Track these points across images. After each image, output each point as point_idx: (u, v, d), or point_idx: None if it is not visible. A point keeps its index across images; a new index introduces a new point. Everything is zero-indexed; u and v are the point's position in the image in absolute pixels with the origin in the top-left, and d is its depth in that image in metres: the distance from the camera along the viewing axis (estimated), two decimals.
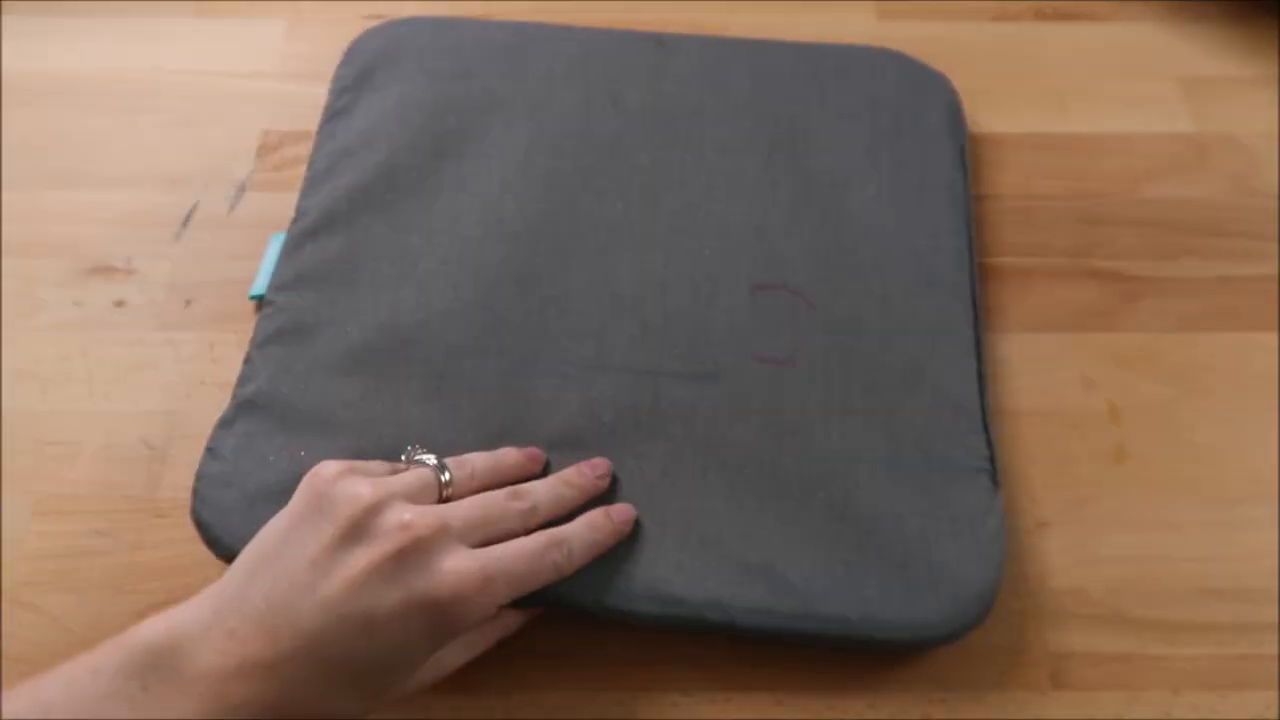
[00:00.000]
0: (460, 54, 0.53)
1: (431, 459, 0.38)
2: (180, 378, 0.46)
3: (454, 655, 0.37)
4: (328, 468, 0.36)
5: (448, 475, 0.38)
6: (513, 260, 0.46)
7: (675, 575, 0.38)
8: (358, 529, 0.34)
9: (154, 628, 0.32)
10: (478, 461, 0.39)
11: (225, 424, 0.42)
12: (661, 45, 0.54)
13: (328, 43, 0.57)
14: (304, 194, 0.49)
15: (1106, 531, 0.42)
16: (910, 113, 0.51)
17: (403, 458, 0.39)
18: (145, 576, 0.41)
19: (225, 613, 0.32)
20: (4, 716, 0.30)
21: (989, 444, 0.42)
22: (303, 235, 0.47)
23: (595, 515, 0.38)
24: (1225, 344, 0.47)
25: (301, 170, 0.51)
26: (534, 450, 0.41)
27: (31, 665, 0.39)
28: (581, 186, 0.49)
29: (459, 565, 0.34)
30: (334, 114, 0.51)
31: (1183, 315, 0.48)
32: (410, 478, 0.37)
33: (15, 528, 0.42)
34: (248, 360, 0.44)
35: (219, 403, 0.44)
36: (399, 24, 0.55)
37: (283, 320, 0.45)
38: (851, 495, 0.41)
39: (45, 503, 0.43)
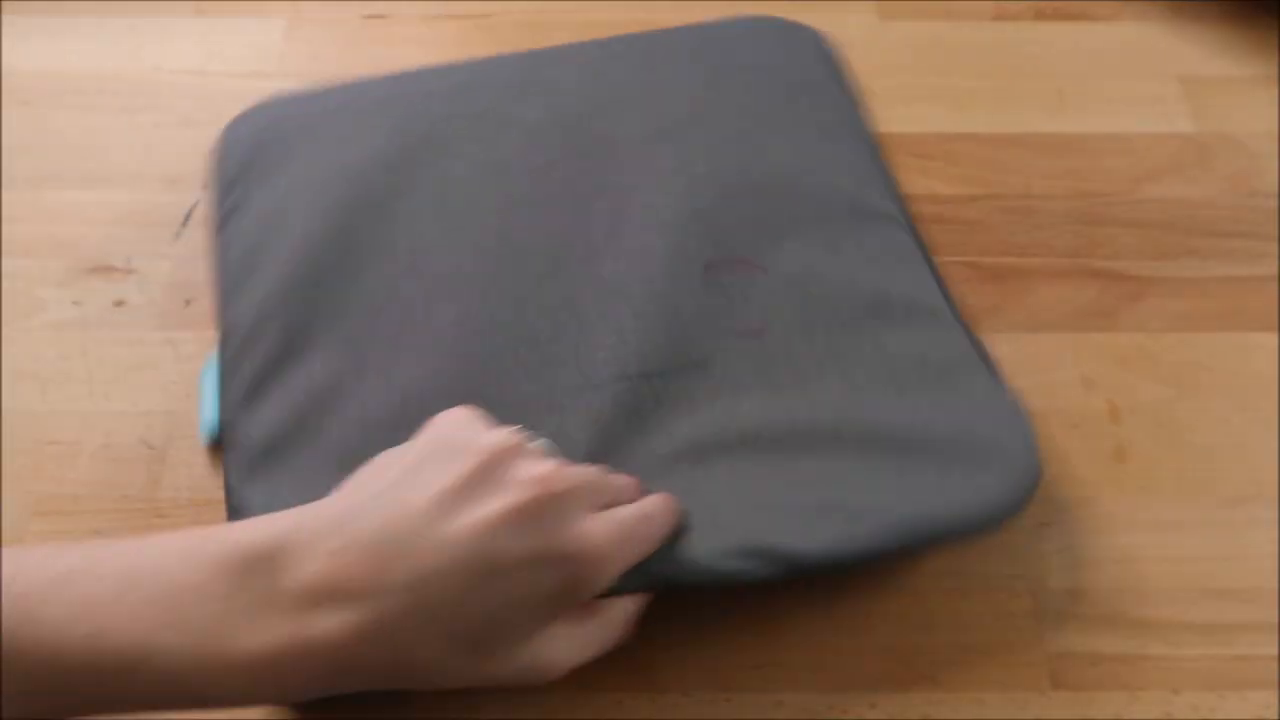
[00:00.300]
0: (341, 120, 0.50)
1: (542, 440, 0.37)
2: (180, 377, 0.46)
3: (566, 652, 0.34)
4: (457, 412, 0.35)
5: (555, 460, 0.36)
6: (466, 314, 0.44)
7: (744, 534, 0.38)
8: (490, 473, 0.32)
9: (253, 530, 0.31)
10: None
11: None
12: (535, 59, 0.53)
13: (327, 42, 0.57)
14: (223, 311, 0.45)
15: (1107, 531, 0.42)
16: (792, 66, 0.53)
17: None
18: None
19: (329, 532, 0.31)
20: (96, 566, 0.30)
21: (969, 334, 0.44)
22: (236, 352, 0.43)
23: (656, 497, 0.38)
24: (1225, 344, 0.47)
25: None
26: None
27: None
28: (509, 218, 0.47)
29: (594, 525, 0.33)
30: (224, 218, 0.47)
31: (1183, 315, 0.48)
32: (531, 445, 0.36)
33: (15, 527, 0.42)
34: (230, 493, 0.40)
35: None
36: (264, 108, 0.51)
37: (251, 450, 0.41)
38: (875, 424, 0.41)
39: (45, 502, 0.43)
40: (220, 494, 0.42)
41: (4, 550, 0.30)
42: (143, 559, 0.30)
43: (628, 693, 0.39)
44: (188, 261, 0.49)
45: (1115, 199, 0.51)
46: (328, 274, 0.45)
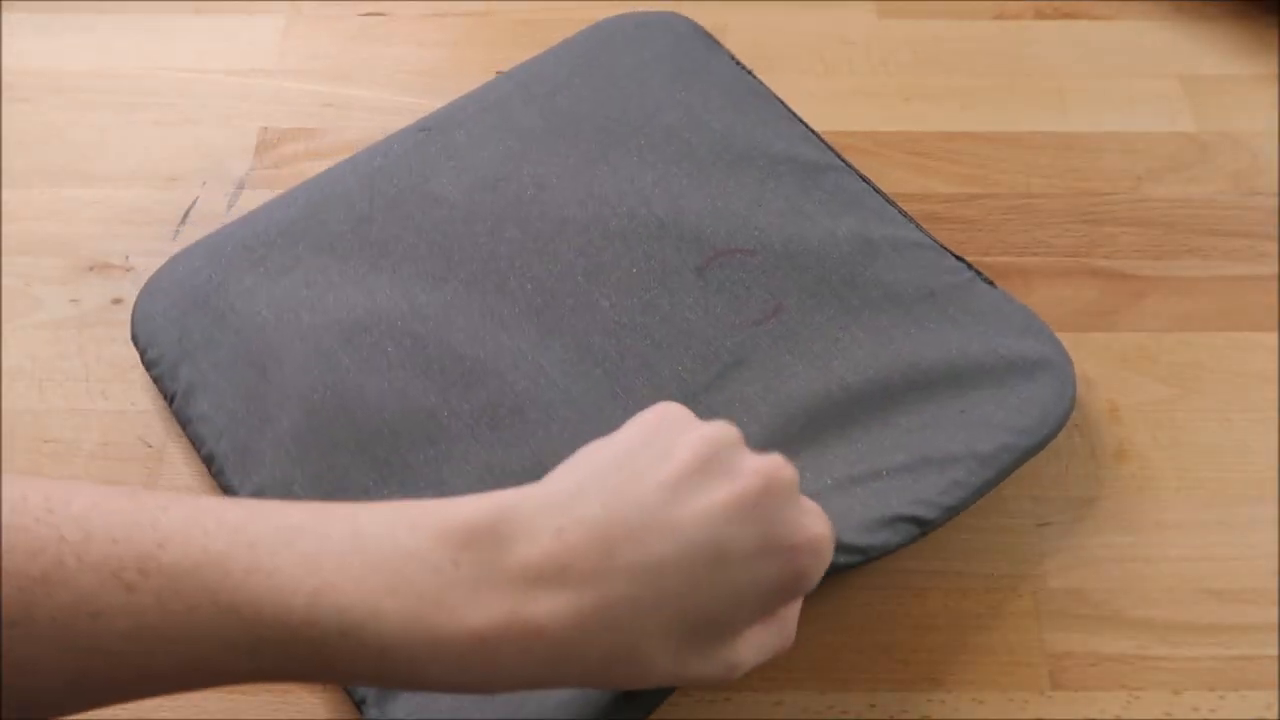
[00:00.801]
0: (257, 256, 0.46)
1: None
2: None
3: (754, 653, 0.33)
4: (674, 406, 0.34)
5: None
6: (490, 400, 0.43)
7: (859, 514, 0.38)
8: (715, 462, 0.31)
9: (476, 505, 0.30)
10: None
11: None
12: (426, 131, 0.50)
13: (326, 40, 0.57)
14: (237, 480, 0.42)
15: (1106, 531, 0.42)
16: (674, 53, 0.52)
17: None
18: None
19: (553, 511, 0.30)
20: (323, 525, 0.29)
21: (957, 256, 0.46)
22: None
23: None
24: (1225, 344, 0.47)
25: (302, 167, 0.51)
26: None
27: None
28: (480, 293, 0.45)
29: (814, 519, 0.32)
30: (186, 395, 0.43)
31: (1183, 315, 0.48)
32: None
33: None
34: None
35: None
36: (167, 271, 0.47)
37: None
38: (916, 367, 0.43)
39: None
40: (219, 494, 0.42)
41: (232, 499, 0.29)
42: (369, 523, 0.29)
43: None
44: None
45: (1116, 198, 0.51)
46: (333, 411, 0.42)
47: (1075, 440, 0.44)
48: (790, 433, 0.42)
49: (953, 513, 0.39)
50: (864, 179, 0.48)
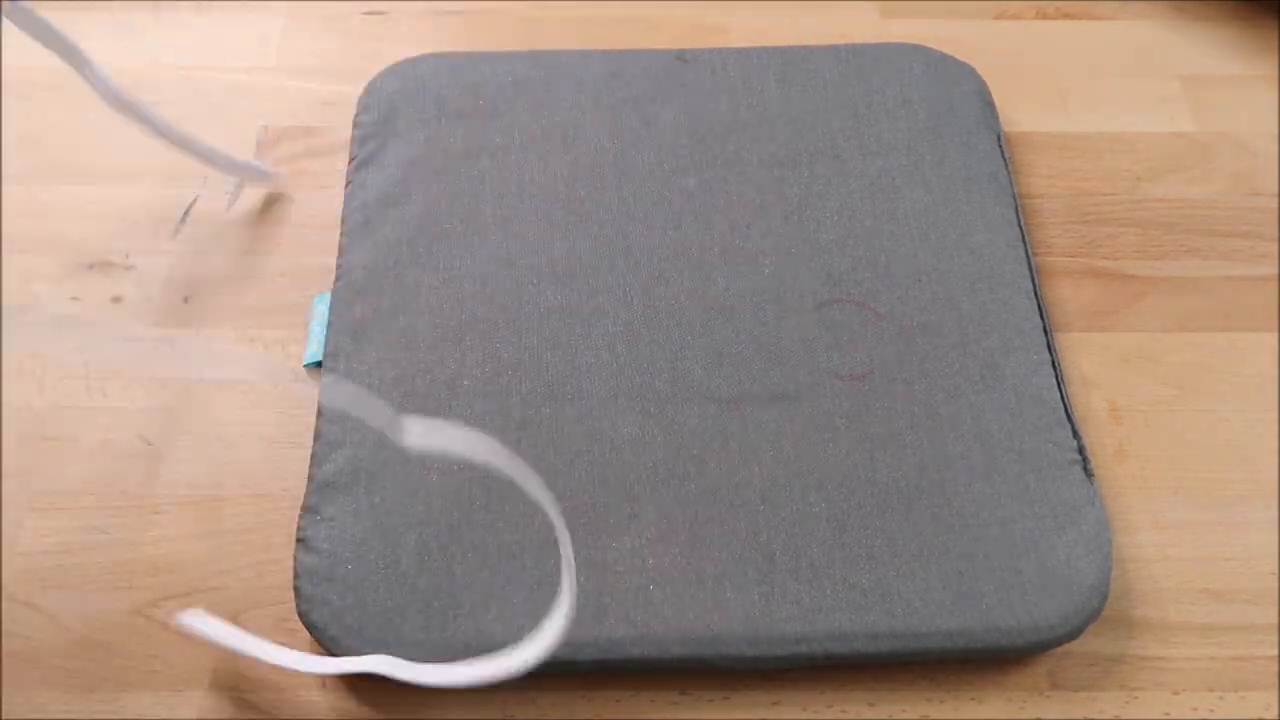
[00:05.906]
0: (483, 91, 0.51)
1: None
2: (178, 374, 0.46)
3: None
4: None
5: None
6: (573, 300, 0.45)
7: (794, 610, 0.38)
8: None
9: None
10: None
11: (311, 510, 0.40)
12: (683, 61, 0.52)
13: (327, 38, 0.57)
14: (344, 250, 0.47)
15: None
16: (944, 106, 0.51)
17: None
18: (142, 573, 0.41)
19: None
20: None
21: (1075, 434, 0.42)
22: (351, 293, 0.45)
23: None
24: (1225, 344, 0.47)
25: (302, 166, 0.51)
26: None
27: (27, 662, 0.39)
28: (629, 216, 0.48)
29: None
30: (361, 163, 0.49)
31: (1183, 315, 0.48)
32: None
33: (11, 523, 0.42)
34: (318, 437, 0.42)
35: (216, 399, 0.44)
36: (415, 63, 0.53)
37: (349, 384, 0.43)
38: (953, 504, 0.40)
39: (41, 498, 0.43)
40: (217, 492, 0.43)
41: None
42: None
43: (625, 691, 0.39)
44: (186, 258, 0.49)
45: (1116, 198, 0.51)
46: (446, 242, 0.47)
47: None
48: (792, 486, 0.41)
49: (855, 659, 0.38)
50: (1042, 314, 0.45)
